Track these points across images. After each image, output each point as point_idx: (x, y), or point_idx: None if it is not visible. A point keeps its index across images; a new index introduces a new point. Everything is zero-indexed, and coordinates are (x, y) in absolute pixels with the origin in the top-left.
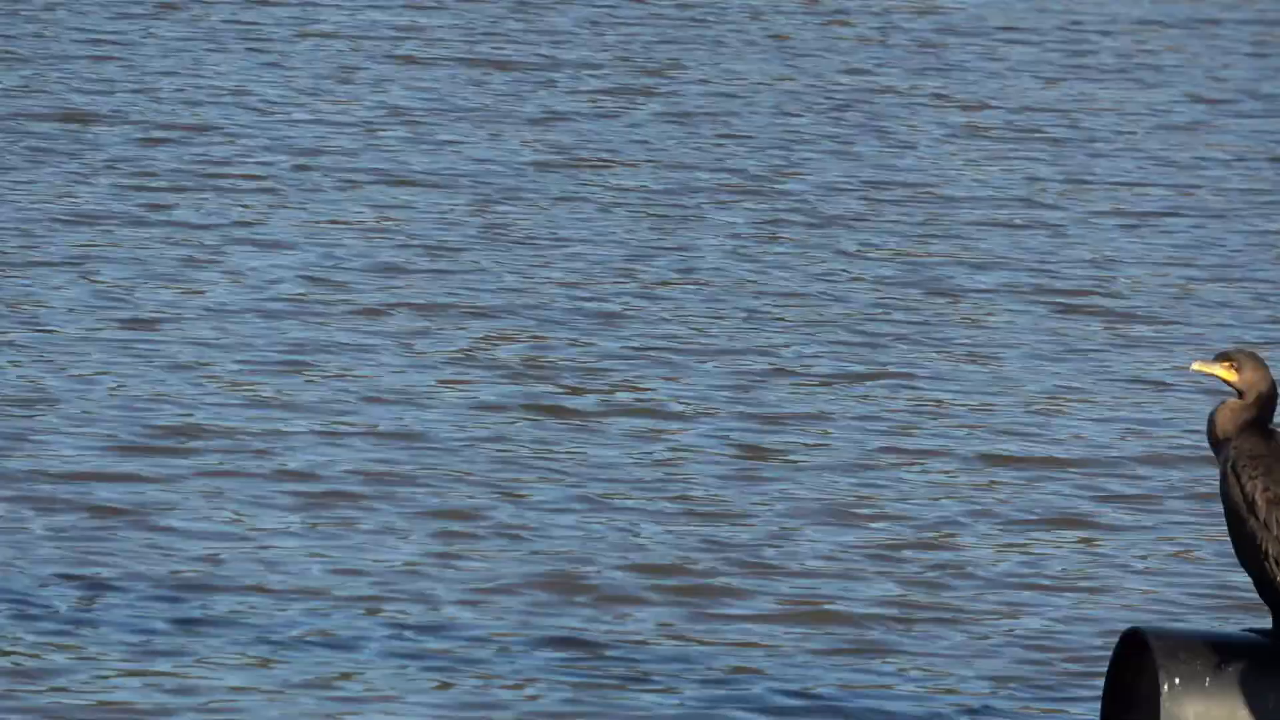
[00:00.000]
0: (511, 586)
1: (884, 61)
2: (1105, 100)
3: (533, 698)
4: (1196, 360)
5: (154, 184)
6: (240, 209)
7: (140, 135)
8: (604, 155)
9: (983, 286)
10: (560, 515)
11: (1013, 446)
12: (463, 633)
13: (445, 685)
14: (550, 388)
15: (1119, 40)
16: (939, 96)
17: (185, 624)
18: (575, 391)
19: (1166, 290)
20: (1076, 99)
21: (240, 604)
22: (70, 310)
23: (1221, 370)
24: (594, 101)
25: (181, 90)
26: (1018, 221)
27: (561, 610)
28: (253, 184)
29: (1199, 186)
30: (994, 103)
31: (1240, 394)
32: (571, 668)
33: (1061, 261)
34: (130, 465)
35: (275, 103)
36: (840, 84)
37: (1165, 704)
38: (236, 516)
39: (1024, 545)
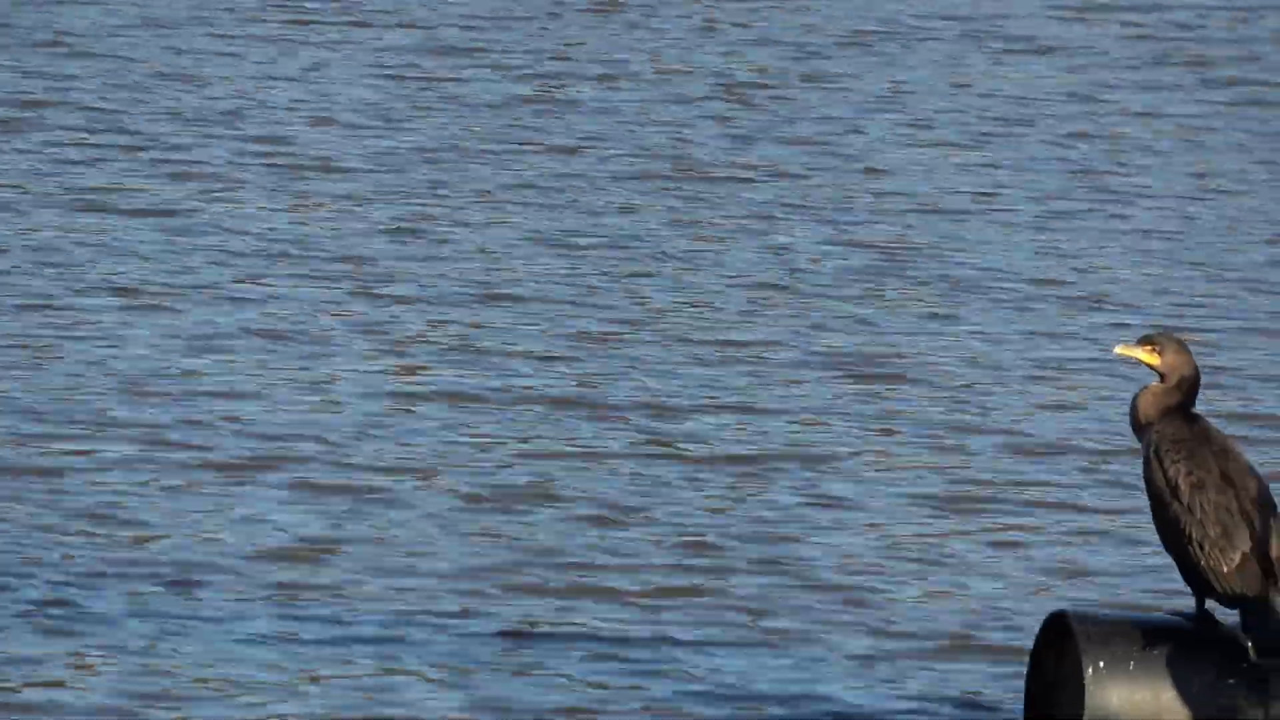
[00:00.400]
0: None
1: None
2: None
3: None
4: (1119, 344)
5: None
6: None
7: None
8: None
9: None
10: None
11: (938, 429)
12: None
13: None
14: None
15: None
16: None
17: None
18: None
19: (1104, 277)
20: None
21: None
22: None
23: (1143, 353)
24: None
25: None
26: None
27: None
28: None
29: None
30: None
31: (1162, 378)
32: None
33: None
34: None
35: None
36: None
37: (1089, 688)
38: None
39: (943, 531)
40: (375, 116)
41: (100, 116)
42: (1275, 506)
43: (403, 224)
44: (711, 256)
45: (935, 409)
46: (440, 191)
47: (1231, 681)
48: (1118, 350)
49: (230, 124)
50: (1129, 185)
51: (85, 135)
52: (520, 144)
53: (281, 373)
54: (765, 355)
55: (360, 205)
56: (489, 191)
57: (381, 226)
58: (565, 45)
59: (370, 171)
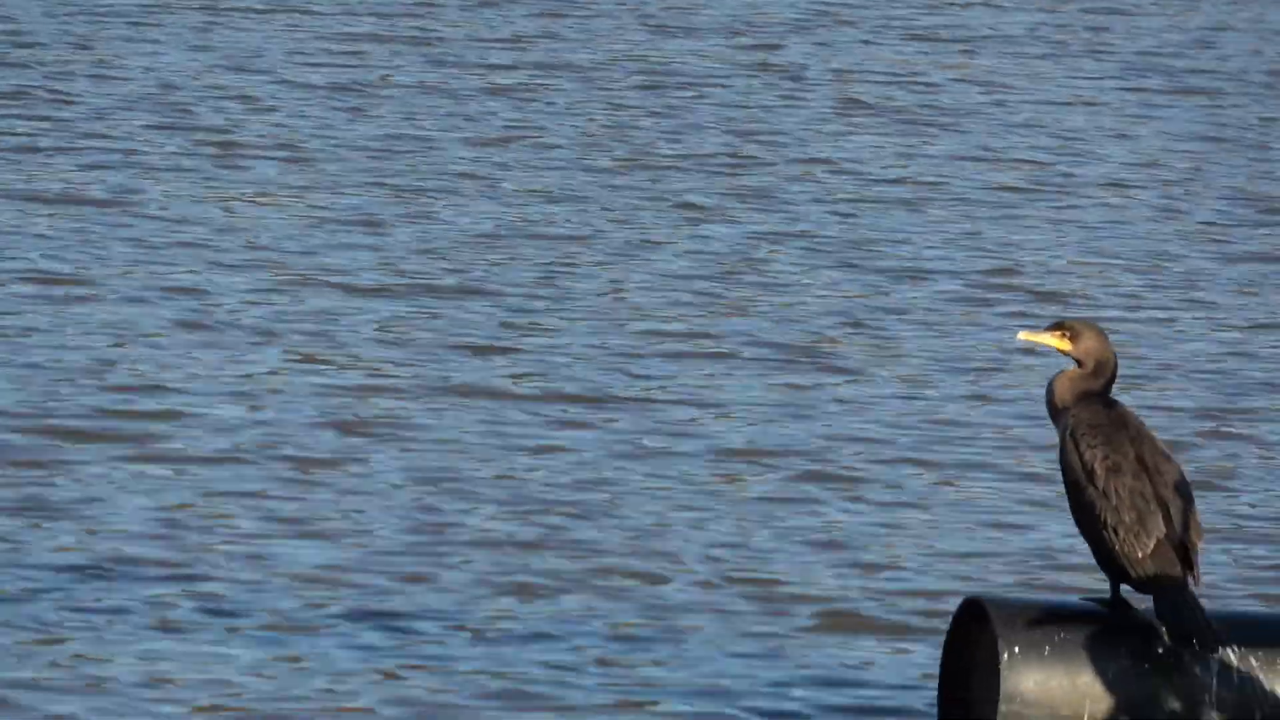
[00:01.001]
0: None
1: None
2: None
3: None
4: (1024, 330)
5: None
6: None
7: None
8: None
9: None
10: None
11: (857, 412)
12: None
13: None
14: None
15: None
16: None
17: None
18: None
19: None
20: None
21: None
22: None
23: (1053, 339)
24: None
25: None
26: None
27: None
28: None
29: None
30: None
31: (1079, 363)
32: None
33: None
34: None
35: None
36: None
37: (1005, 673)
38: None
39: (862, 515)
40: (295, 102)
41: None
42: (1190, 492)
43: (331, 213)
44: (646, 246)
45: (860, 392)
46: (376, 179)
47: (1147, 667)
48: (1021, 336)
49: (153, 108)
50: (1063, 176)
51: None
52: (456, 131)
53: (208, 364)
54: (693, 345)
55: (288, 193)
56: (423, 181)
57: (309, 216)
58: (501, 33)
59: (289, 159)
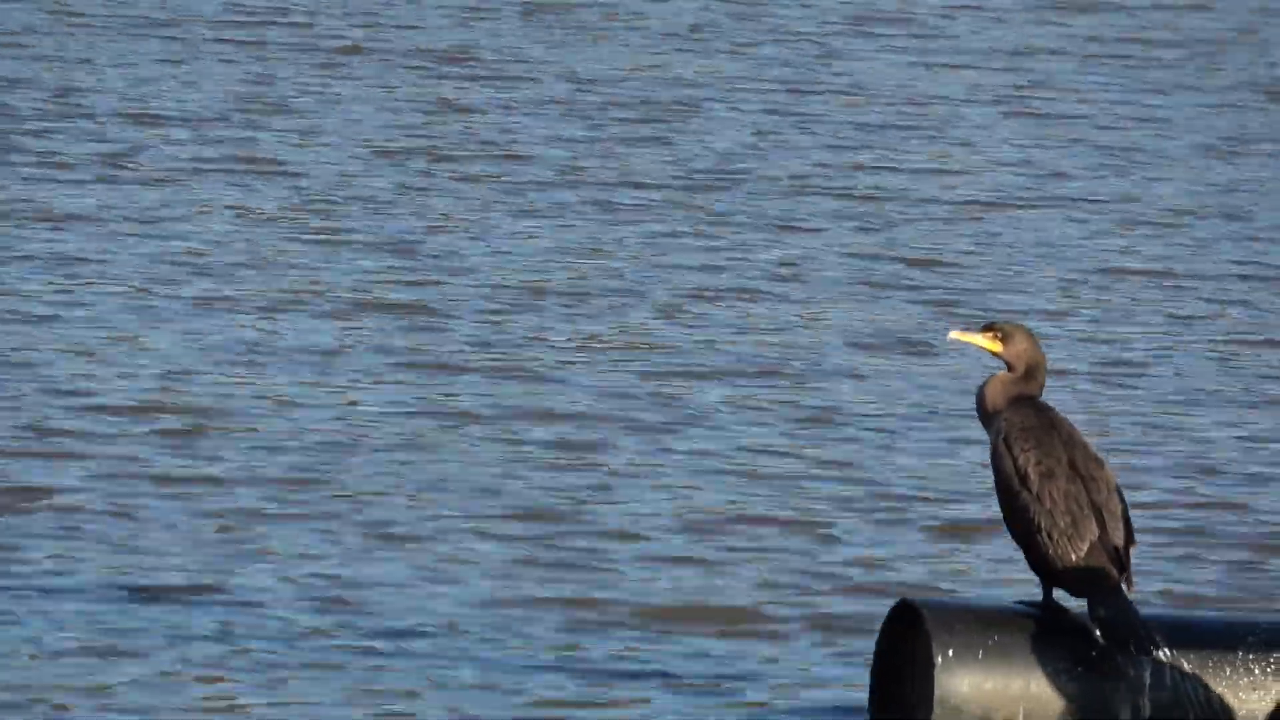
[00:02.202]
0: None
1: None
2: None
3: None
4: (955, 329)
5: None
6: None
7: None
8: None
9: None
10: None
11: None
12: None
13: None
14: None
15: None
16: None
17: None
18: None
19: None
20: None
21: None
22: None
23: (984, 340)
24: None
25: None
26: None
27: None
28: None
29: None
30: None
31: (1010, 366)
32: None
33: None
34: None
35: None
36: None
37: (939, 676)
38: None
39: (779, 515)
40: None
41: None
42: (1123, 496)
43: (245, 224)
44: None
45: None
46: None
47: (1081, 669)
48: (952, 335)
49: (88, 121)
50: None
51: None
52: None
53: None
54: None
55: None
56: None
57: (223, 225)
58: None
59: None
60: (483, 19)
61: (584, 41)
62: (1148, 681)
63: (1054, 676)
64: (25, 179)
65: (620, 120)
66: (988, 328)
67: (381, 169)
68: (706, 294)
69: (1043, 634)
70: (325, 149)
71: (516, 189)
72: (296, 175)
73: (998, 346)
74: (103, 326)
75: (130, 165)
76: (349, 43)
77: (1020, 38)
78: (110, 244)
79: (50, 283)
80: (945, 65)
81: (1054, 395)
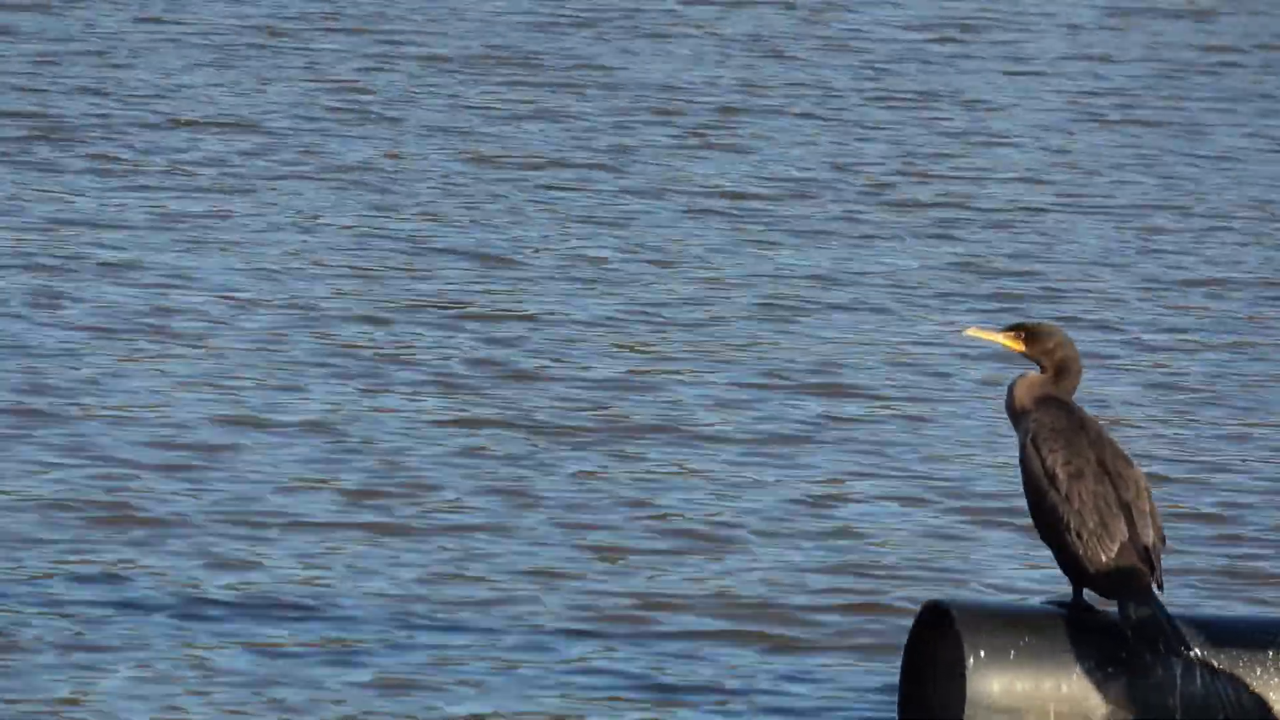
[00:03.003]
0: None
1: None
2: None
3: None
4: (972, 326)
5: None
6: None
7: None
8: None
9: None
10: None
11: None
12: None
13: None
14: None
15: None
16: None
17: None
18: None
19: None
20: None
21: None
22: None
23: (1005, 338)
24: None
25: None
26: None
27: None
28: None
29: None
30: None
31: (1041, 367)
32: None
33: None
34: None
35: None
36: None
37: (970, 677)
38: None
39: (808, 517)
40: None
41: None
42: (1151, 496)
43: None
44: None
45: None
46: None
47: (1111, 670)
48: (969, 332)
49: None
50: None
51: None
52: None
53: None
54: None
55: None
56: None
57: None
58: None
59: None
60: (553, 26)
61: (653, 47)
62: (1178, 681)
63: (1085, 677)
64: (140, 187)
65: (697, 129)
66: (1013, 327)
67: (480, 177)
68: (809, 303)
69: (1073, 634)
70: (417, 157)
71: (611, 198)
72: (389, 185)
73: (1020, 346)
74: (193, 334)
75: (227, 173)
76: (431, 51)
77: (1091, 45)
78: (213, 255)
79: (163, 292)
80: (1020, 73)
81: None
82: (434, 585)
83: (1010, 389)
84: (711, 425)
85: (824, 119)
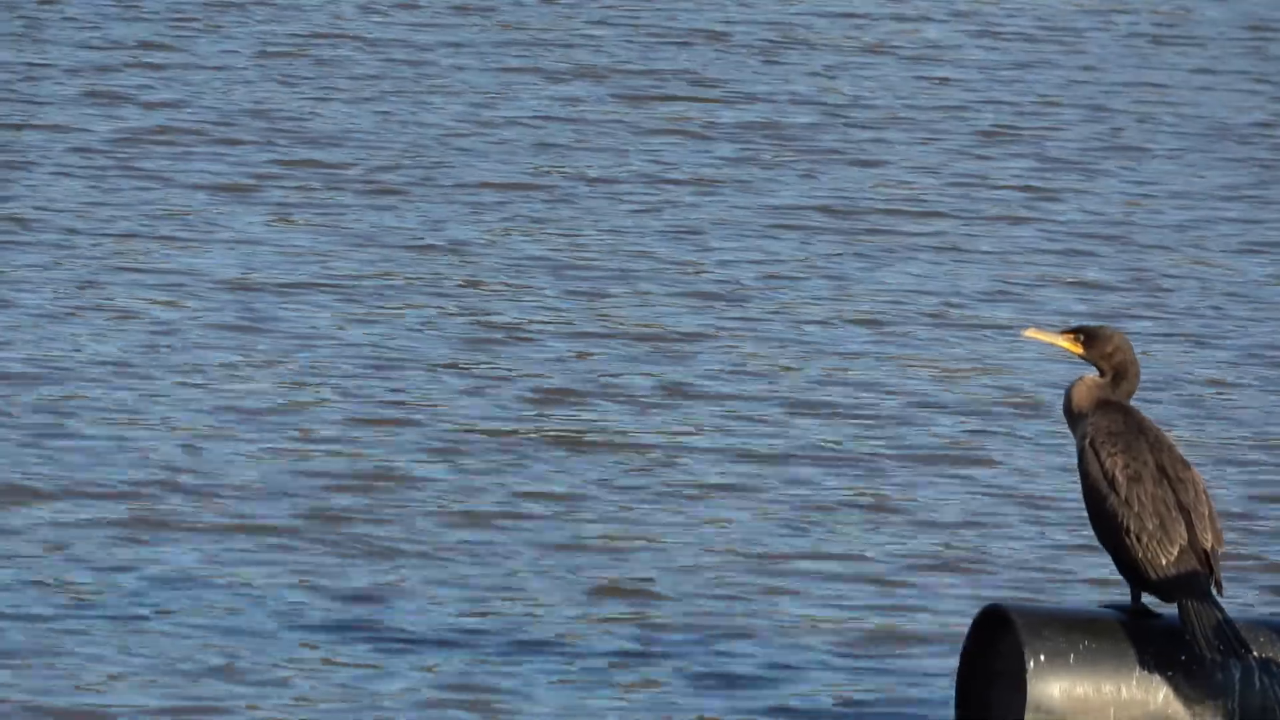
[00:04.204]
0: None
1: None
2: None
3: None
4: (1031, 327)
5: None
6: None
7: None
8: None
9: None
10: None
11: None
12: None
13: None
14: None
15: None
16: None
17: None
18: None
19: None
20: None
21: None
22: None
23: (1063, 341)
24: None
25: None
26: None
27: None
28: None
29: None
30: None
31: (1100, 370)
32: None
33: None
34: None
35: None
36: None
37: (1031, 681)
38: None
39: (862, 524)
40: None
41: None
42: (1210, 499)
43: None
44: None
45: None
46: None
47: (1171, 674)
48: (1028, 333)
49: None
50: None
51: None
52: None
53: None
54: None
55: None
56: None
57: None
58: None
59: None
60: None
61: (762, 60)
62: (1238, 685)
63: (1144, 681)
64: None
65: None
66: (1072, 330)
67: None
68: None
69: (1132, 638)
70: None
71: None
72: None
73: (1078, 348)
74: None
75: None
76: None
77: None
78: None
79: (281, 302)
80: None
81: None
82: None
83: (1068, 392)
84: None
85: None
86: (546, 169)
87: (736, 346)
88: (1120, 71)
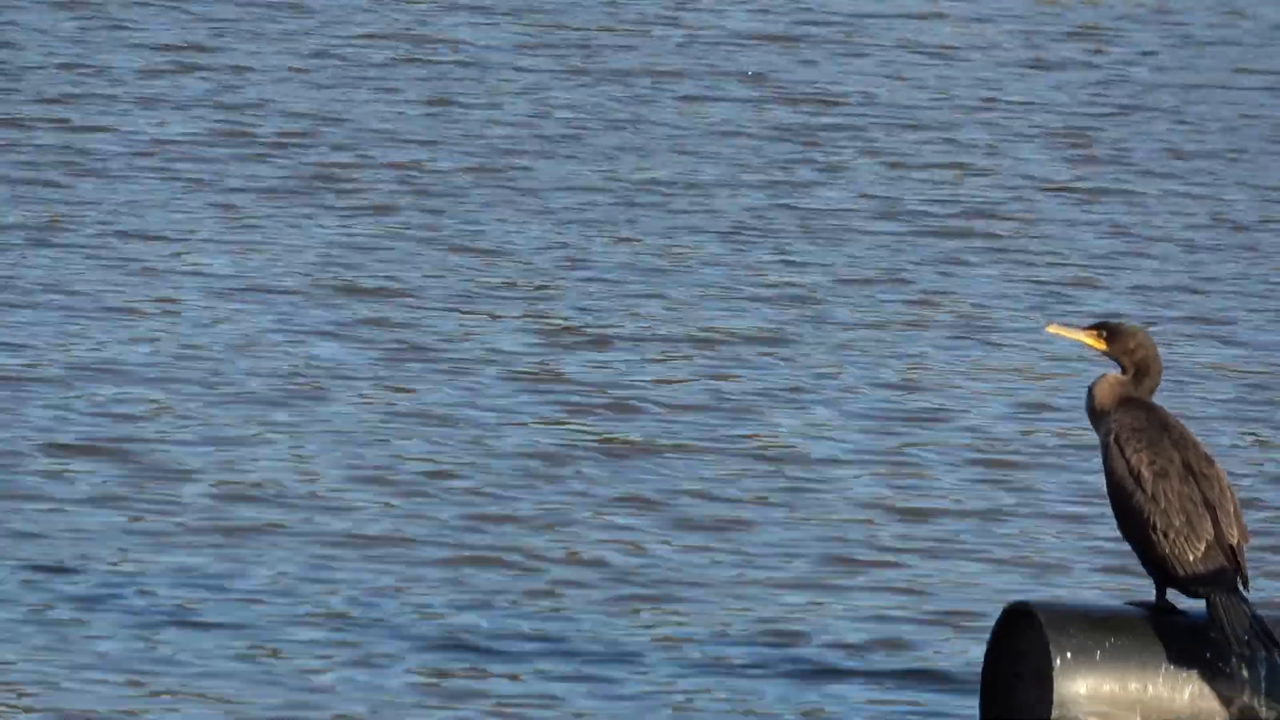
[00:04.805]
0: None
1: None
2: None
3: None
4: (1053, 323)
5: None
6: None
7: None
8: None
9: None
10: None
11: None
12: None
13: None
14: None
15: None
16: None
17: None
18: None
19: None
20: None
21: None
22: None
23: (1086, 337)
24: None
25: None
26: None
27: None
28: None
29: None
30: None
31: (1122, 367)
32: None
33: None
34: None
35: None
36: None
37: (1057, 679)
38: None
39: (886, 523)
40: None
41: None
42: (1234, 495)
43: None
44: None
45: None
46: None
47: (1198, 670)
48: (1051, 329)
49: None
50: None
51: None
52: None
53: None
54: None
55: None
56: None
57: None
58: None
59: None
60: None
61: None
62: (1264, 681)
63: (1171, 678)
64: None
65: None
66: (1096, 326)
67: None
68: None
69: (1158, 635)
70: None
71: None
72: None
73: (1101, 345)
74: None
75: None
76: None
77: None
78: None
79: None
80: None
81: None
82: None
83: (1090, 390)
84: None
85: None
86: (617, 173)
87: (806, 355)
88: (1185, 74)
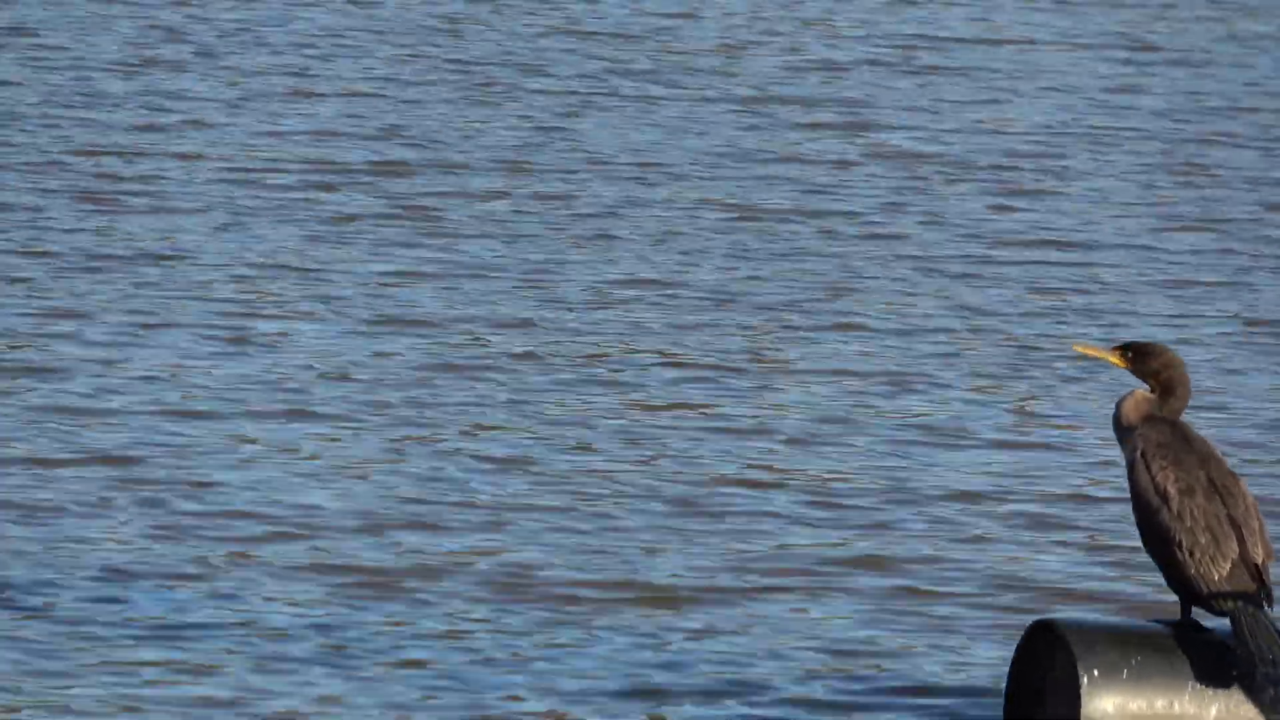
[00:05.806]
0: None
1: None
2: None
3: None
4: (1079, 342)
5: None
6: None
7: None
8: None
9: None
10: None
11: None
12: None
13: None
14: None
15: None
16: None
17: None
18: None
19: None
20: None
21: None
22: None
23: (1113, 357)
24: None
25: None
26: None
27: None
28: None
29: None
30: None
31: (1152, 386)
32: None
33: None
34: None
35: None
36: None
37: (1085, 696)
38: None
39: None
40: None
41: None
42: (1259, 513)
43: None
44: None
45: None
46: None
47: (1224, 688)
48: (1078, 348)
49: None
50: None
51: None
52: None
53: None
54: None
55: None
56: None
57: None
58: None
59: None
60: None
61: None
62: None
63: (1198, 695)
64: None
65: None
66: (1122, 346)
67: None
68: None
69: (1185, 653)
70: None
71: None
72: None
73: (1123, 363)
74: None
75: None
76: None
77: None
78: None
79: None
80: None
81: None
82: None
83: (1118, 406)
84: None
85: None
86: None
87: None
88: None
